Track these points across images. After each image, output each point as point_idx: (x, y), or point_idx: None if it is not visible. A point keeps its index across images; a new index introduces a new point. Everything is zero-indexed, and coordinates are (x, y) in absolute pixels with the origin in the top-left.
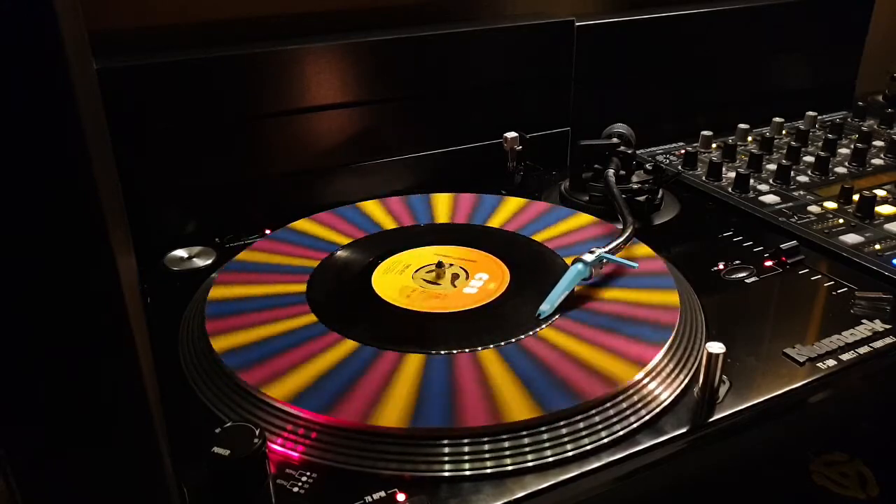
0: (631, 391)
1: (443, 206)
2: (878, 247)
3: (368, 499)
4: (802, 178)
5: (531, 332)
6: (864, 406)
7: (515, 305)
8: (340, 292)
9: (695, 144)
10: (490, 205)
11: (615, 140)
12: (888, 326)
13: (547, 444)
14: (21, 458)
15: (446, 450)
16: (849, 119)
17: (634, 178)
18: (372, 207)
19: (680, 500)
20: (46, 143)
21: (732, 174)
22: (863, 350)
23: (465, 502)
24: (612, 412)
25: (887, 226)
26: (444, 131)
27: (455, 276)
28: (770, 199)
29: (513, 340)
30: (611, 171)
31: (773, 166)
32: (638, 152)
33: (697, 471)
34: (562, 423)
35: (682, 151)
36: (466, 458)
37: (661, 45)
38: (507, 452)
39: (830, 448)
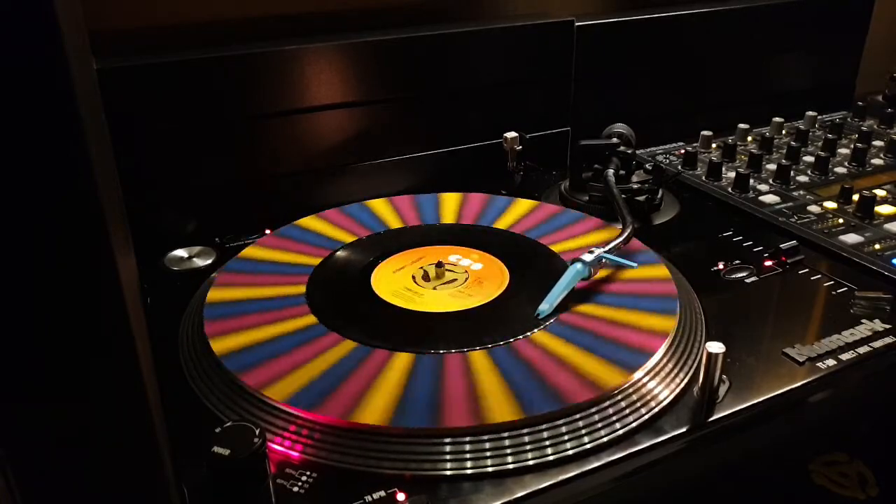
0: (631, 391)
1: (451, 206)
2: (877, 247)
3: (368, 499)
4: (802, 178)
5: (530, 332)
6: (864, 406)
7: (515, 305)
8: (339, 293)
9: (695, 144)
10: (499, 206)
11: (615, 140)
12: (888, 326)
13: (547, 444)
14: (21, 459)
15: (447, 448)
16: (849, 119)
17: (634, 178)
18: (380, 206)
19: (679, 500)
20: (47, 143)
21: (732, 174)
22: (862, 350)
23: (465, 502)
24: (611, 412)
25: (887, 226)
26: (444, 131)
27: (454, 277)
28: (770, 199)
29: (511, 340)
30: (611, 171)
31: (772, 166)
32: (638, 152)
33: (697, 470)
34: (561, 422)
35: (682, 151)
36: (467, 457)
37: (662, 45)
38: (508, 451)
39: (830, 448)
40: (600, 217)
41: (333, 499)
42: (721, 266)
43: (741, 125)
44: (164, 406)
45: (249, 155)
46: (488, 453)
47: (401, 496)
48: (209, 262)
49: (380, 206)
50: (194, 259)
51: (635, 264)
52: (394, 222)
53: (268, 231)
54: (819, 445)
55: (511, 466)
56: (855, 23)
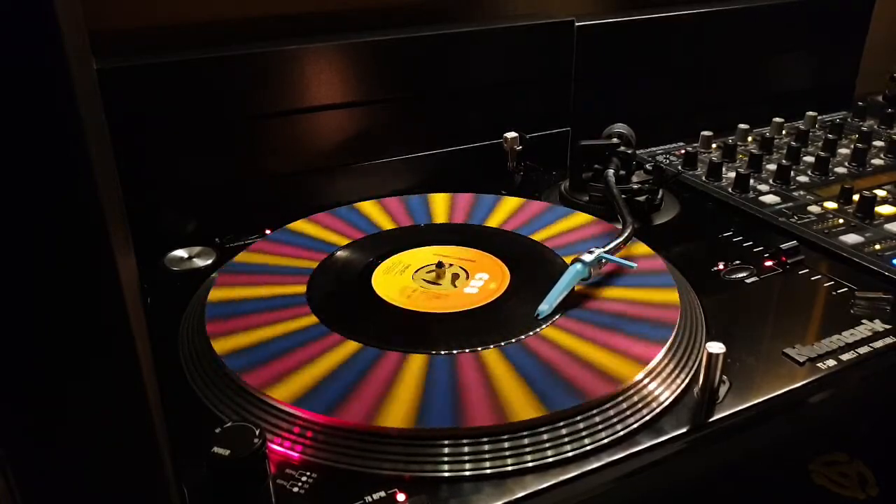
0: (631, 391)
1: (441, 206)
2: (878, 247)
3: (368, 499)
4: (802, 178)
5: (531, 333)
6: (864, 406)
7: (515, 305)
8: (341, 293)
9: (695, 144)
10: (488, 204)
11: (615, 140)
12: (888, 326)
13: (547, 445)
14: (21, 459)
15: (447, 450)
16: (849, 119)
17: (634, 178)
18: (369, 208)
19: (679, 500)
20: (47, 143)
21: (732, 174)
22: (863, 350)
23: (465, 502)
24: (612, 412)
25: (887, 226)
26: (444, 131)
27: (455, 276)
28: (770, 199)
29: (513, 340)
30: (611, 171)
31: (773, 166)
32: (638, 152)
33: (697, 471)
34: (562, 423)
35: (682, 151)
36: (467, 458)
37: (662, 45)
38: (508, 452)
39: (830, 448)
40: (600, 217)
41: (333, 499)
42: (721, 266)
43: (741, 125)
44: (164, 406)
45: (249, 155)
46: (487, 455)
47: (401, 496)
48: (209, 262)
49: (370, 207)
50: (194, 259)
51: (635, 265)
52: (385, 224)
53: (268, 231)
54: (819, 445)
55: (511, 468)
56: (855, 23)
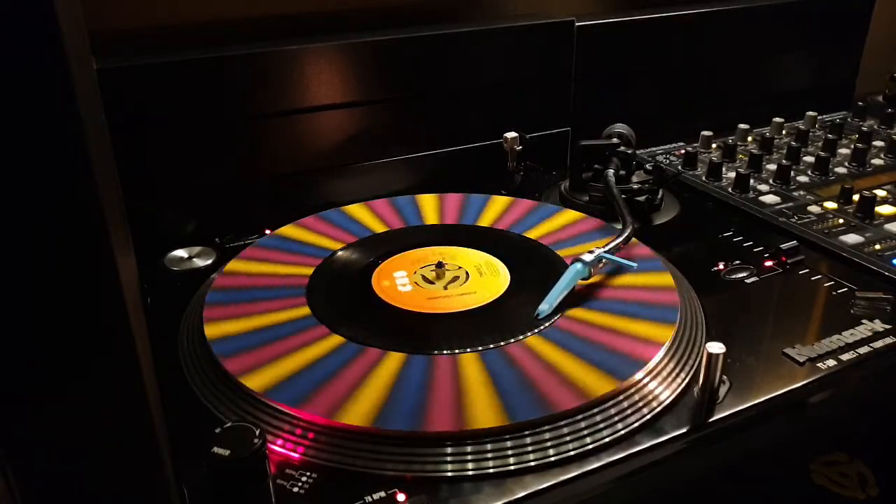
0: (631, 391)
1: (429, 208)
2: (878, 247)
3: (368, 499)
4: (802, 178)
5: (531, 333)
6: (864, 406)
7: (515, 306)
8: (340, 290)
9: (695, 144)
10: (478, 205)
11: (615, 140)
12: (888, 326)
13: (548, 444)
14: (21, 459)
15: (448, 450)
16: (849, 119)
17: (634, 178)
18: (358, 211)
19: (680, 500)
20: (47, 143)
21: (732, 174)
22: (863, 350)
23: (465, 502)
24: (612, 412)
25: (887, 226)
26: (444, 131)
27: (455, 277)
28: (770, 199)
29: (512, 341)
30: (611, 171)
31: (773, 166)
32: (638, 152)
33: (697, 471)
34: (562, 423)
35: (682, 151)
36: (468, 458)
37: (662, 45)
38: (509, 452)
39: (830, 448)
40: (601, 217)
41: (333, 499)
42: (721, 266)
43: (741, 125)
44: (164, 406)
45: (249, 155)
46: (489, 454)
47: (401, 497)
48: (209, 262)
49: (358, 210)
50: (194, 259)
51: (635, 265)
52: (376, 227)
53: (267, 231)
54: (819, 445)
55: (513, 467)
56: (855, 23)
